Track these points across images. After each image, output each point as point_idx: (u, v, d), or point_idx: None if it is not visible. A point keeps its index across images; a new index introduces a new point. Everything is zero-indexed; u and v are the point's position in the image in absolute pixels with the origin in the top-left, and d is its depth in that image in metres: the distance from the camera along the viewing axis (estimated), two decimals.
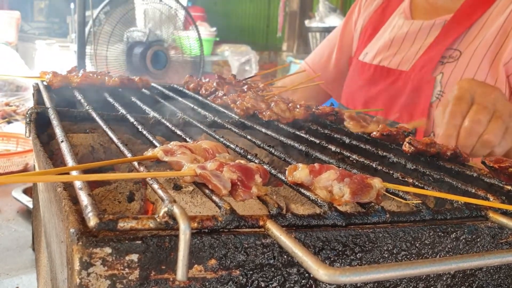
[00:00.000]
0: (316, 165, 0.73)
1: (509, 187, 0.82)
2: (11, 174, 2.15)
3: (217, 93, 1.43)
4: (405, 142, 0.96)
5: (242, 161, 0.72)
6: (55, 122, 0.93)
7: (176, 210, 0.53)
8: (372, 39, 1.76)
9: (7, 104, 2.83)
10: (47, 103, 1.11)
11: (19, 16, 5.44)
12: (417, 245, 0.68)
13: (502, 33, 1.40)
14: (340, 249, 0.63)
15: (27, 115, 1.04)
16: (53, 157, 1.26)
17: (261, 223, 0.59)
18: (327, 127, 1.18)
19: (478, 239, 0.72)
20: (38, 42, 6.15)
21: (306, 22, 5.88)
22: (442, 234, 0.69)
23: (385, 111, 1.55)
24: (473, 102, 1.06)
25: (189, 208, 0.96)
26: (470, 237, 0.71)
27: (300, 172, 0.71)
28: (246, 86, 1.56)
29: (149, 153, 0.73)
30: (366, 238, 0.64)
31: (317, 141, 1.02)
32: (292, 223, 0.61)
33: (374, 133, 1.05)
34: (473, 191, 0.79)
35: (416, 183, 0.80)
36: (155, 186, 0.61)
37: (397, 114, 1.46)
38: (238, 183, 0.64)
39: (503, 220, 0.70)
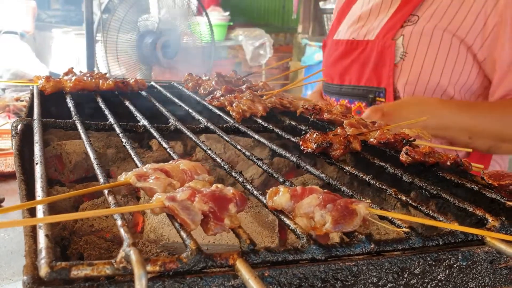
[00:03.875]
0: (298, 188, 0.69)
1: (511, 203, 0.76)
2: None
3: (215, 93, 1.39)
4: (402, 152, 0.90)
5: (220, 185, 0.68)
6: (36, 138, 0.90)
7: (133, 256, 0.49)
8: (344, 19, 1.86)
9: (18, 99, 2.83)
10: (35, 114, 1.08)
11: (35, 5, 5.43)
12: (405, 276, 0.63)
13: (455, 4, 1.49)
14: (319, 285, 0.59)
15: (12, 128, 1.01)
16: (46, 165, 1.24)
17: (231, 262, 0.55)
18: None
19: (474, 266, 0.67)
20: (55, 30, 6.13)
21: (321, 3, 5.76)
22: (434, 263, 0.64)
23: (357, 78, 1.71)
24: None
25: None
26: (465, 264, 0.66)
27: (280, 198, 0.67)
28: (245, 86, 1.51)
29: (123, 177, 0.69)
30: (348, 272, 0.60)
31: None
32: (266, 260, 0.57)
33: (372, 140, 0.99)
34: (471, 209, 0.74)
35: (410, 201, 0.75)
36: (119, 222, 0.57)
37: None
38: (210, 215, 0.60)
39: (501, 246, 0.64)
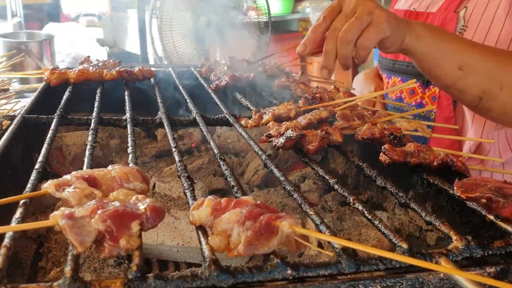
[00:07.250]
0: (223, 201, 0.61)
1: (491, 217, 0.64)
2: None
3: (221, 79, 1.33)
4: (381, 152, 0.79)
5: (140, 196, 0.62)
6: (4, 137, 0.90)
7: None
8: None
9: None
10: (24, 109, 1.08)
11: None
12: None
13: None
14: None
15: None
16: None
17: None
18: None
19: None
20: (130, 11, 6.27)
21: None
22: None
23: None
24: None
25: None
26: None
27: (200, 212, 0.60)
28: (260, 68, 1.43)
29: (45, 185, 0.66)
30: None
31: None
32: None
33: (359, 133, 0.89)
34: (437, 224, 0.63)
35: (365, 212, 0.65)
36: (4, 242, 0.53)
37: None
38: (106, 235, 0.55)
39: (454, 274, 0.54)
